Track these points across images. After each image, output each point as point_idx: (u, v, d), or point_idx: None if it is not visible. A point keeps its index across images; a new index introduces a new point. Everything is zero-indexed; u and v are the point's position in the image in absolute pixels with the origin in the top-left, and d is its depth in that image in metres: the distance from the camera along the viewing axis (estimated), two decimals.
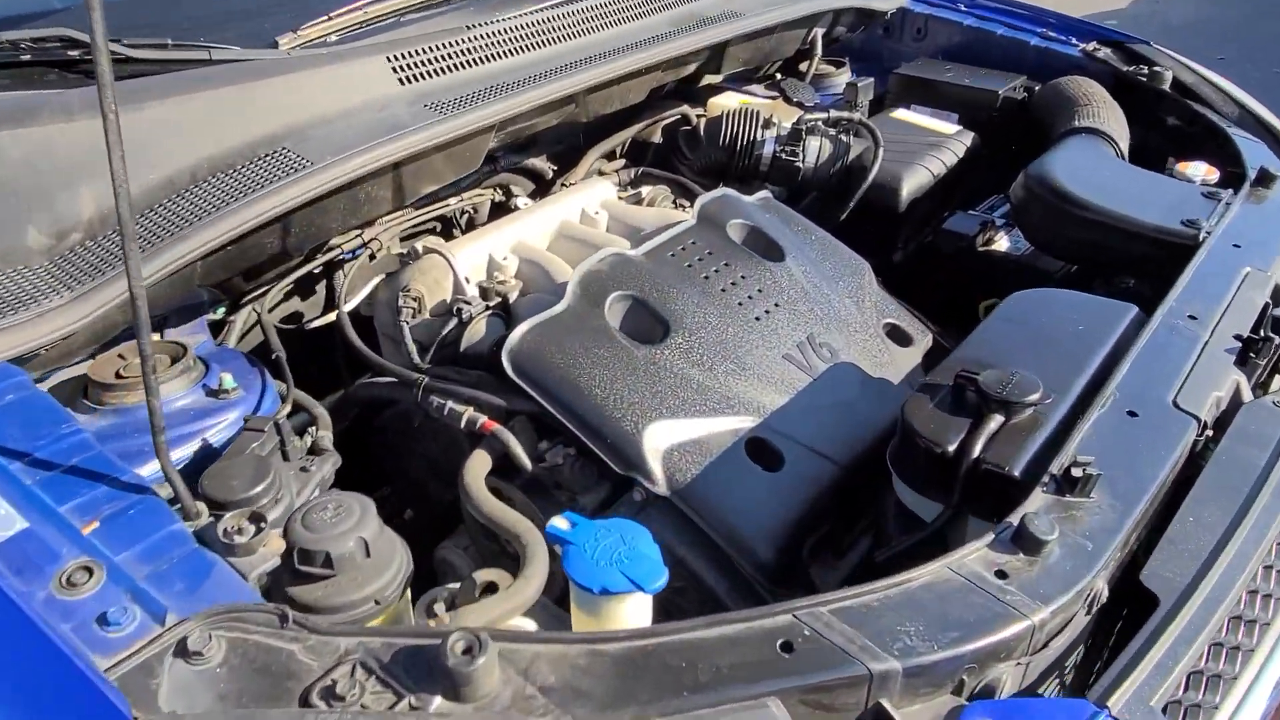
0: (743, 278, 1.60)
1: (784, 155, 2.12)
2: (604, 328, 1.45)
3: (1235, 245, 1.52)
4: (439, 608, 1.18)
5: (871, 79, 2.40)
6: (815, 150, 2.13)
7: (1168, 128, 2.15)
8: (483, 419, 1.41)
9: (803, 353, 1.52)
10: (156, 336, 1.49)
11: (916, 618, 0.86)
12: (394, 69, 1.56)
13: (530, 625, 1.19)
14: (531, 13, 1.78)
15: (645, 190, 2.09)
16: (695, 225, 1.68)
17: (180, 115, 1.37)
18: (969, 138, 2.23)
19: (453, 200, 1.94)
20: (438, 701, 0.77)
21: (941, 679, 0.85)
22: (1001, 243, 2.03)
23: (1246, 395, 1.26)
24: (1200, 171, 1.82)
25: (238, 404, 1.35)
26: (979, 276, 2.00)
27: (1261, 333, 1.32)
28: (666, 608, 1.37)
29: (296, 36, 1.62)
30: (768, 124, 2.14)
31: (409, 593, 1.07)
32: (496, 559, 1.53)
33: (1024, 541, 0.93)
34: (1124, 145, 1.93)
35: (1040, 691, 0.96)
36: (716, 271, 1.59)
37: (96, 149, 0.91)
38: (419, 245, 1.70)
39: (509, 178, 2.16)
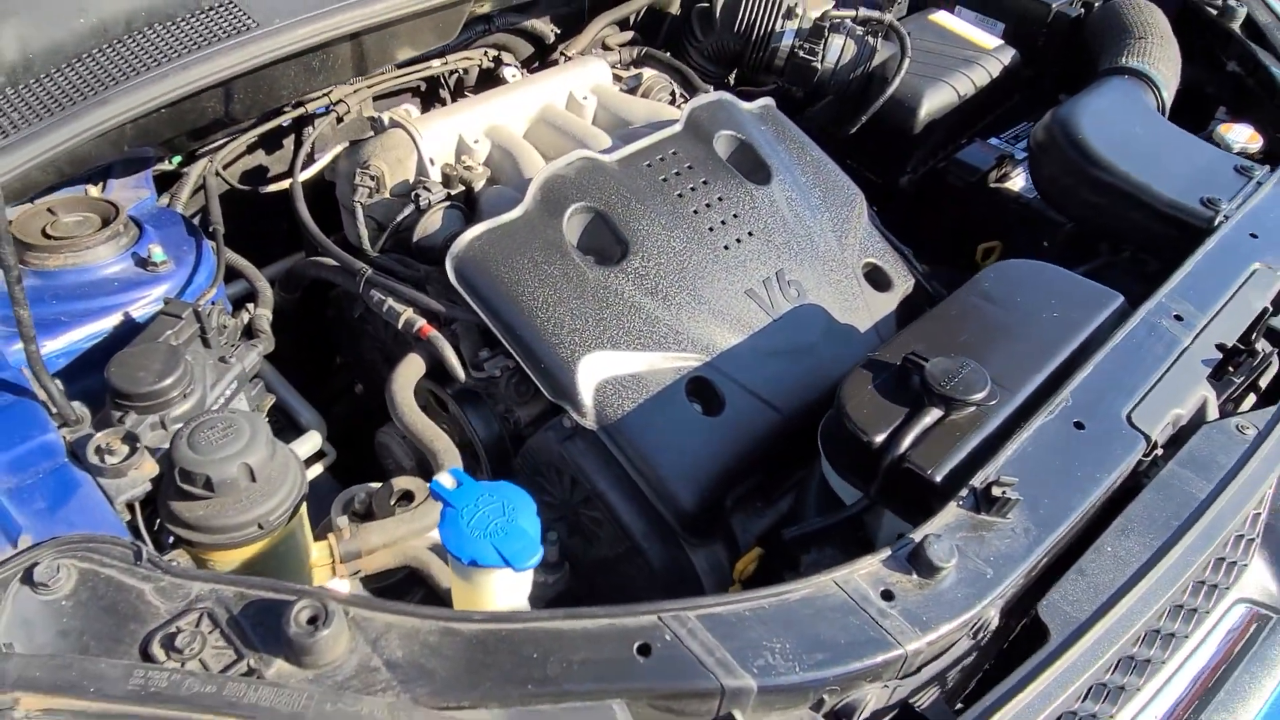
0: (719, 199, 1.49)
1: (802, 52, 1.95)
2: (558, 242, 1.37)
3: (1253, 235, 1.40)
4: (342, 521, 1.17)
5: None
6: (837, 50, 1.96)
7: (1227, 74, 1.95)
8: (421, 322, 1.37)
9: (767, 289, 1.44)
10: (96, 190, 1.42)
11: (786, 634, 0.83)
12: None
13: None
14: None
15: (646, 73, 1.94)
16: (680, 133, 1.56)
17: None
18: (1009, 55, 2.04)
19: (436, 63, 1.81)
20: (277, 665, 0.76)
21: (799, 698, 0.83)
22: (1017, 181, 1.89)
23: (1212, 414, 1.18)
24: (1243, 137, 1.66)
25: (167, 277, 1.30)
26: (984, 216, 1.88)
27: (1249, 343, 1.23)
28: (587, 538, 1.37)
29: None
30: (790, 14, 1.96)
31: (304, 511, 1.06)
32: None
33: (919, 563, 0.89)
34: (1170, 92, 1.76)
35: (918, 704, 0.95)
36: (693, 189, 1.49)
37: None
38: (386, 116, 1.60)
39: (504, 39, 2.01)
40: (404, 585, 1.31)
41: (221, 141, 1.59)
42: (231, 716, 0.70)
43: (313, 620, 0.76)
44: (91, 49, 1.21)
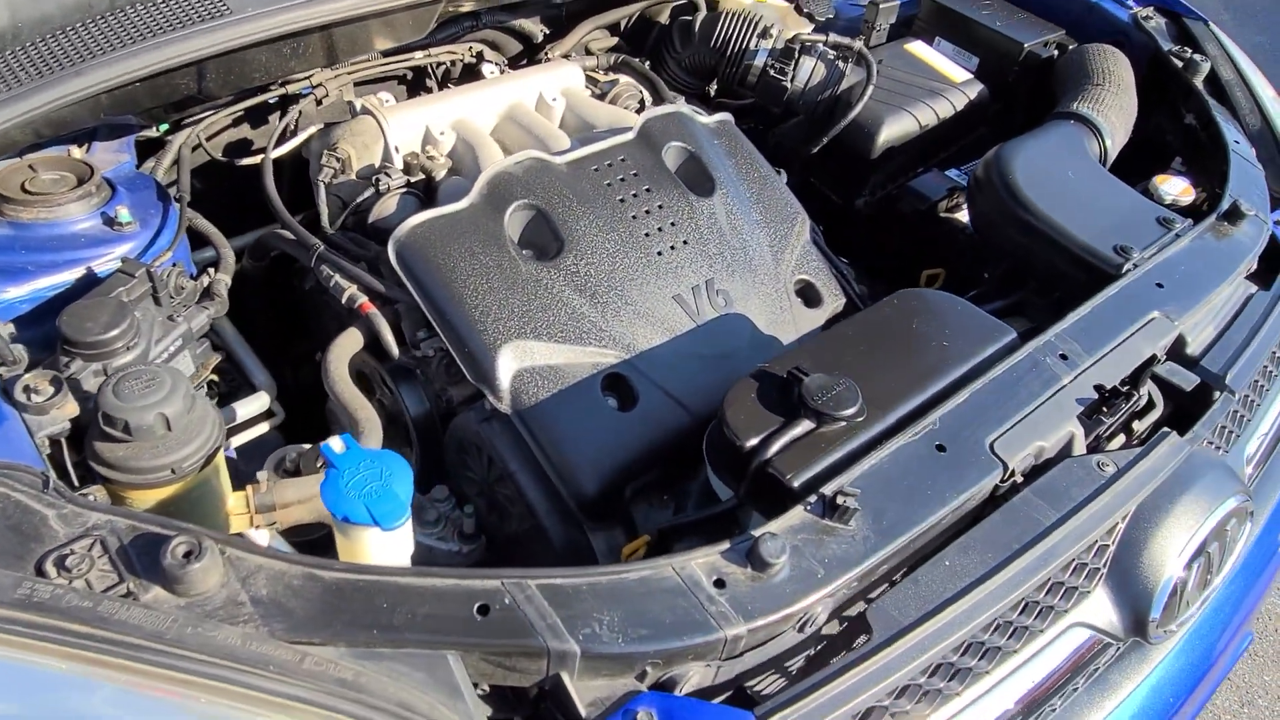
0: (659, 207, 1.58)
1: (773, 71, 2.03)
2: (498, 234, 1.46)
3: (1158, 284, 1.47)
4: (263, 475, 1.28)
5: (897, 2, 2.25)
6: (807, 72, 2.04)
7: (1184, 125, 2.01)
8: (362, 299, 1.46)
9: (695, 296, 1.53)
10: (79, 151, 1.53)
11: (616, 608, 0.92)
12: None
13: None
14: None
15: (622, 80, 2.03)
16: (632, 141, 1.65)
17: None
18: (976, 90, 2.11)
19: (418, 54, 1.91)
20: (154, 592, 0.86)
21: (623, 667, 0.92)
22: (965, 213, 1.97)
23: (1078, 449, 1.26)
24: (1176, 190, 1.73)
25: (131, 237, 1.41)
26: (931, 243, 1.95)
27: (1128, 387, 1.30)
28: (502, 514, 1.46)
29: None
30: (765, 33, 2.04)
31: (220, 462, 1.16)
32: None
33: (754, 558, 0.98)
34: (1114, 140, 1.82)
35: (758, 687, 1.04)
36: (635, 196, 1.58)
37: None
38: (359, 102, 1.70)
39: (494, 36, 2.10)
40: (327, 541, 1.41)
41: (204, 114, 1.69)
42: (101, 629, 0.80)
43: (188, 554, 0.86)
44: (75, 22, 1.32)
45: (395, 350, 1.45)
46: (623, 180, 1.59)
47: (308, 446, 1.40)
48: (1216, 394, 1.39)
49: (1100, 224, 1.57)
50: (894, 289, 1.68)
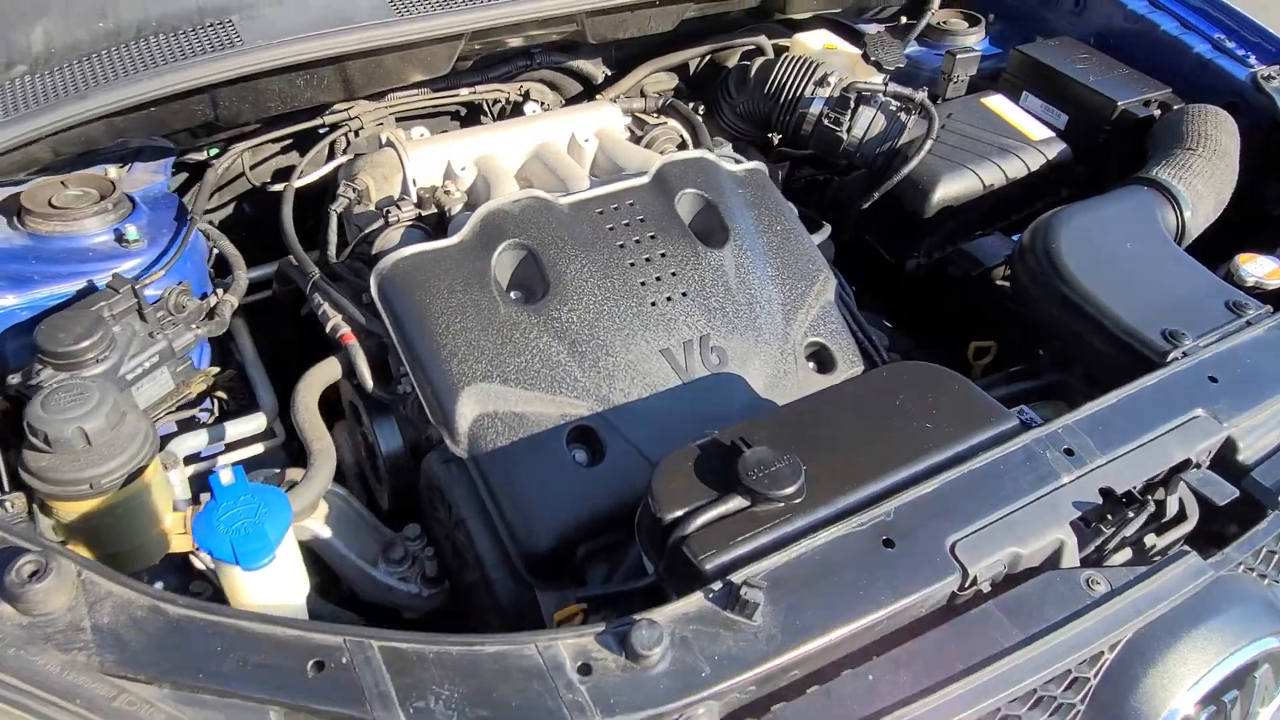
0: (662, 255, 1.51)
1: (827, 121, 1.93)
2: (481, 273, 1.43)
3: (1212, 378, 1.27)
4: (205, 497, 1.28)
5: (979, 52, 2.11)
6: (866, 123, 1.93)
7: None
8: (345, 329, 1.46)
9: (685, 352, 1.45)
10: (116, 171, 1.61)
11: (461, 683, 0.85)
12: None
13: None
14: None
15: (670, 123, 1.98)
16: (645, 186, 1.59)
17: None
18: (1056, 149, 1.93)
19: (463, 91, 1.92)
20: (2, 608, 0.86)
21: None
22: None
23: (1070, 559, 1.09)
24: (1262, 271, 1.50)
25: (136, 254, 1.46)
26: (981, 312, 1.78)
27: (1145, 494, 1.12)
28: (459, 554, 1.42)
29: None
30: (823, 81, 1.95)
31: (155, 480, 1.17)
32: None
33: (628, 645, 0.89)
34: (1196, 212, 1.61)
35: None
36: (637, 242, 1.52)
37: None
38: (385, 134, 1.72)
39: (551, 76, 2.10)
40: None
41: (250, 139, 1.76)
42: None
43: (33, 574, 0.85)
44: (103, 49, 1.40)
45: (369, 383, 1.44)
46: (627, 225, 1.53)
47: (276, 471, 1.40)
48: (1269, 512, 1.19)
49: (1153, 303, 1.38)
50: (941, 361, 1.54)
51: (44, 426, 1.05)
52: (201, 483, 1.39)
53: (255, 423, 1.60)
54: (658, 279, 1.49)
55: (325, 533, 1.38)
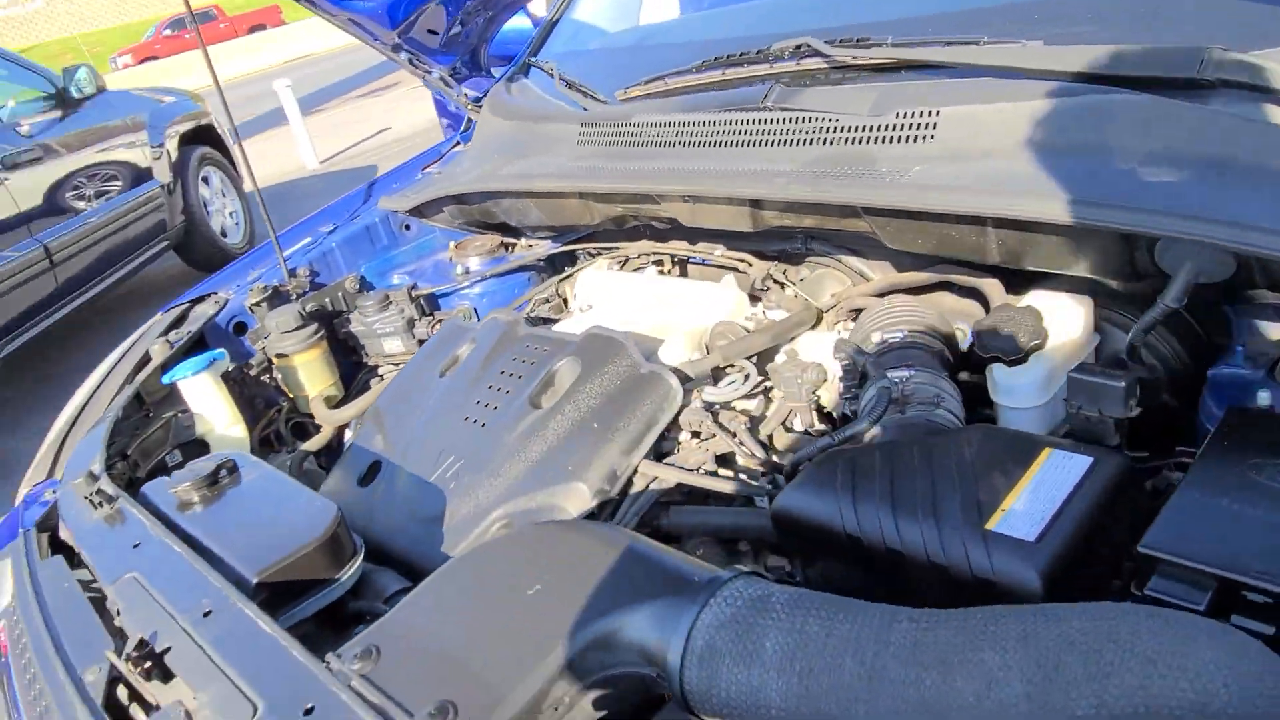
0: (505, 393, 1.75)
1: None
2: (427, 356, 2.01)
3: None
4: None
5: None
6: None
7: None
8: None
9: (448, 461, 1.69)
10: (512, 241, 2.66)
11: None
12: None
13: None
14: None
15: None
16: (571, 342, 1.77)
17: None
18: None
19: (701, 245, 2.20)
20: None
21: None
22: None
23: None
24: None
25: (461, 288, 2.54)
26: None
27: None
28: None
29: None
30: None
31: None
32: None
33: None
34: None
35: None
36: (502, 374, 1.79)
37: None
38: (601, 259, 2.27)
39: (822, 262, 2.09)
40: None
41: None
42: None
43: None
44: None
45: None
46: (523, 361, 1.80)
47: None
48: None
49: None
50: None
51: None
52: None
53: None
54: (484, 405, 1.76)
55: None
